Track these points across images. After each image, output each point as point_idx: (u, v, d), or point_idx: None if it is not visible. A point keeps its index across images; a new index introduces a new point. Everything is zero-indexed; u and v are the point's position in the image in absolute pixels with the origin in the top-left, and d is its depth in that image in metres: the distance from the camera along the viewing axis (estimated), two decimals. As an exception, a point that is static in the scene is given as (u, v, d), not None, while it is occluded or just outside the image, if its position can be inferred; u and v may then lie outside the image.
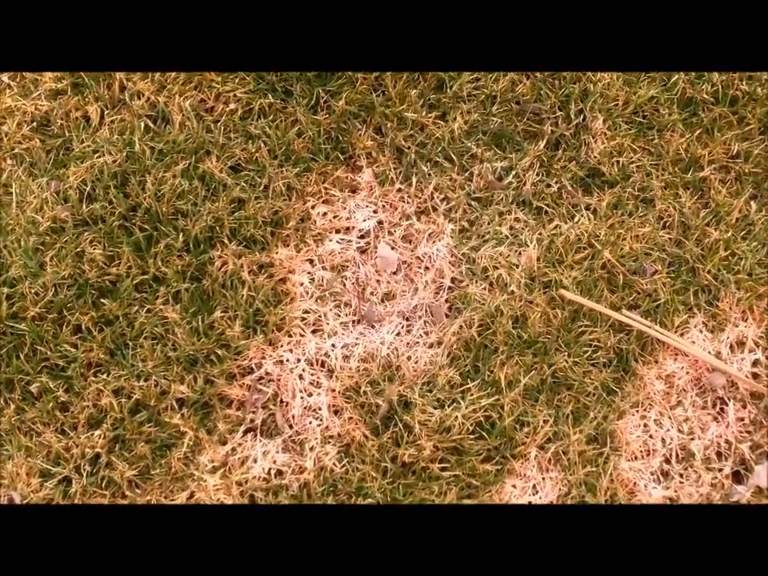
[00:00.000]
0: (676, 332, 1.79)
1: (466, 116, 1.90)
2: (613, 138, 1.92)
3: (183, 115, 1.86)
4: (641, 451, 1.73)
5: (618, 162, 1.91)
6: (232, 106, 1.88)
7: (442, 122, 1.90)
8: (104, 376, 1.70)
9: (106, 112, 1.86)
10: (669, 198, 1.89)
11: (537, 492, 1.69)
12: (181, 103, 1.86)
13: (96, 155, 1.82)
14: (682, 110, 1.97)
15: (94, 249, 1.76)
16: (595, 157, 1.91)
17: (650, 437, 1.74)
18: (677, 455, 1.74)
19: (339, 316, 1.78)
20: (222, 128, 1.85)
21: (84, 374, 1.70)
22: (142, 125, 1.85)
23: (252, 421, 1.70)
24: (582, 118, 1.93)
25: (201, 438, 1.67)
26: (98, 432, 1.67)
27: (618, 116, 1.94)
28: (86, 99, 1.88)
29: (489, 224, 1.85)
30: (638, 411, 1.75)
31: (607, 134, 1.93)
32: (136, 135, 1.83)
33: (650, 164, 1.92)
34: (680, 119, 1.95)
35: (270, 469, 1.67)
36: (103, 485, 1.65)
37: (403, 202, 1.86)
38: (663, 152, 1.93)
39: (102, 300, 1.74)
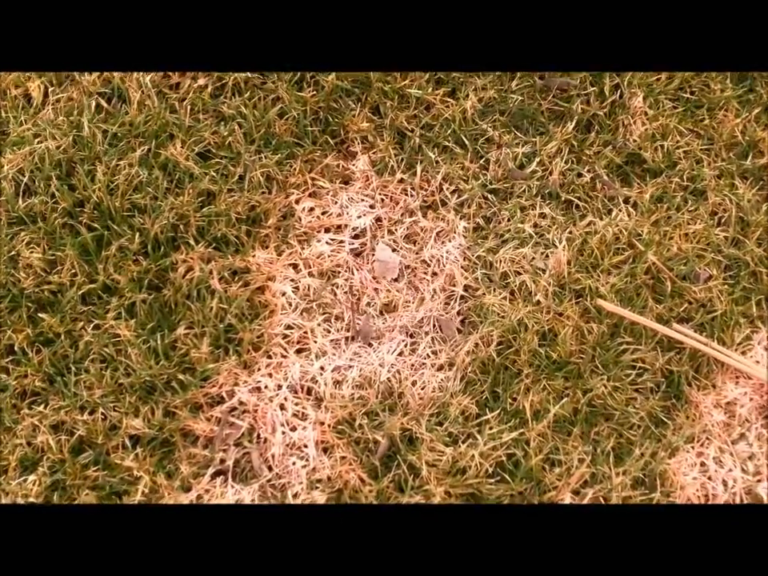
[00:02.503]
0: (736, 350, 1.66)
1: (480, 93, 1.81)
2: (655, 118, 1.82)
3: (142, 92, 1.75)
4: (698, 496, 1.57)
5: (661, 146, 1.80)
6: (201, 81, 1.78)
7: (451, 100, 1.80)
8: (41, 408, 1.55)
9: (50, 89, 1.76)
10: (723, 189, 1.77)
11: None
12: (140, 78, 1.77)
13: (37, 140, 1.71)
14: (737, 85, 1.87)
15: (32, 252, 1.63)
16: (635, 141, 1.80)
17: (709, 479, 1.58)
18: (741, 501, 1.58)
19: (329, 332, 1.64)
20: (189, 107, 1.75)
21: (16, 405, 1.55)
22: (93, 104, 1.75)
23: (222, 461, 1.54)
24: (618, 94, 1.83)
25: (159, 483, 1.51)
26: (32, 477, 1.50)
27: (660, 92, 1.85)
28: (27, 74, 1.78)
29: (509, 221, 1.74)
30: (693, 447, 1.60)
31: (648, 114, 1.82)
32: (85, 116, 1.72)
33: (701, 149, 1.81)
34: (734, 96, 1.85)
35: (244, 520, 1.53)
36: (38, 541, 1.50)
37: (406, 194, 1.75)
38: (715, 135, 1.82)
39: (40, 314, 1.60)
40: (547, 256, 1.69)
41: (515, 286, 1.67)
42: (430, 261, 1.70)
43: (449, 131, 1.77)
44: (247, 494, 1.50)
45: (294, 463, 1.54)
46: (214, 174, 1.69)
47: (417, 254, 1.71)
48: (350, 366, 1.61)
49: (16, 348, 1.57)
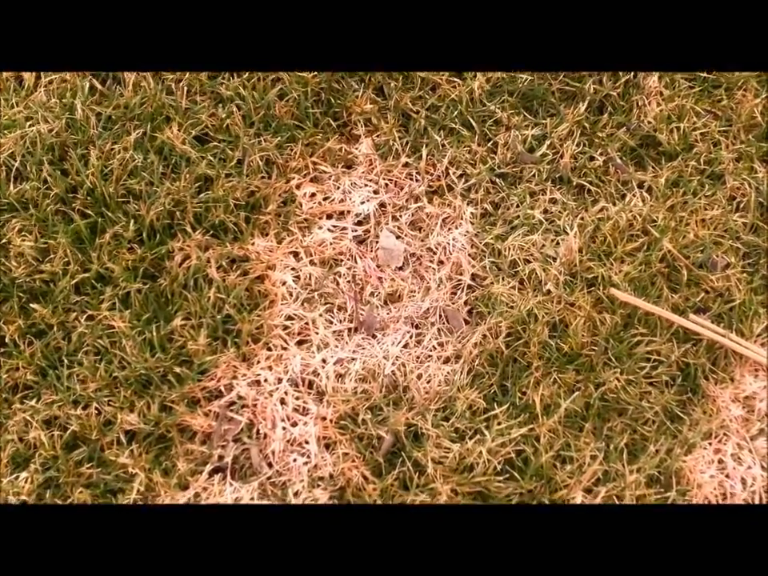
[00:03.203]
0: (756, 341, 1.62)
1: (487, 72, 1.78)
2: (671, 98, 1.79)
3: (137, 73, 1.72)
4: (716, 495, 1.54)
5: (677, 128, 1.76)
6: None
7: (458, 80, 1.77)
8: (33, 402, 1.52)
9: None
10: (742, 173, 1.74)
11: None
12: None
13: (29, 123, 1.68)
14: None
15: (23, 240, 1.60)
16: (649, 122, 1.77)
17: (727, 476, 1.54)
18: (761, 499, 1.54)
19: (331, 323, 1.62)
20: (186, 89, 1.73)
21: (8, 399, 1.52)
22: (87, 85, 1.72)
23: (221, 458, 1.52)
24: (632, 73, 1.80)
25: (155, 480, 1.48)
26: (24, 474, 1.48)
27: None
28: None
29: (518, 207, 1.71)
30: (710, 444, 1.57)
31: (664, 94, 1.79)
32: (78, 99, 1.70)
33: (718, 131, 1.77)
34: (753, 75, 1.81)
35: (243, 519, 1.51)
36: (31, 540, 1.49)
37: (411, 179, 1.73)
38: (734, 116, 1.79)
39: (31, 304, 1.57)
40: (558, 243, 1.66)
41: (524, 274, 1.64)
42: (436, 248, 1.67)
43: (455, 113, 1.74)
44: (246, 492, 1.48)
45: (294, 460, 1.51)
46: (212, 159, 1.66)
47: (422, 241, 1.68)
48: (353, 359, 1.58)
49: (7, 340, 1.54)
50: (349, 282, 1.64)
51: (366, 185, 1.70)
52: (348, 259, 1.65)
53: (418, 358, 1.59)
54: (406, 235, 1.68)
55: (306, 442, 1.52)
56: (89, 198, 1.62)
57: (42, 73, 1.70)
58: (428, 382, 1.57)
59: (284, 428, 1.53)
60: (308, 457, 1.51)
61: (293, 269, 1.63)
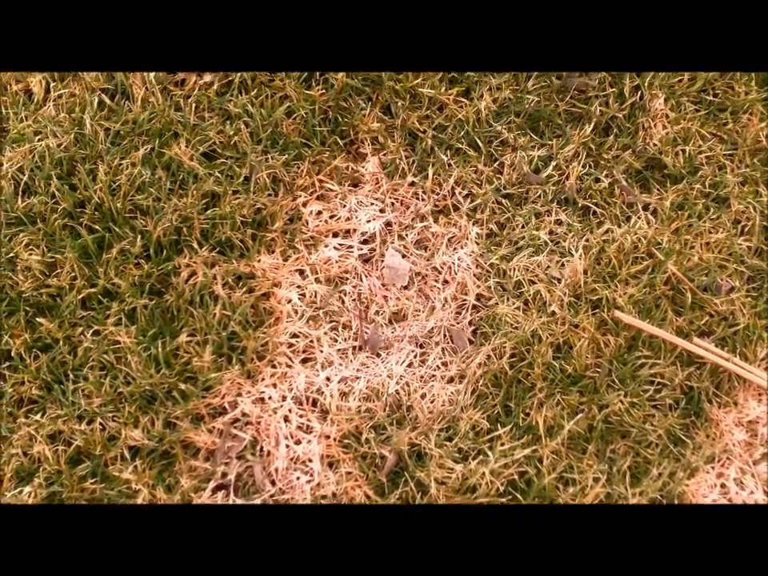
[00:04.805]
0: (759, 366, 1.60)
1: (494, 93, 1.75)
2: (677, 121, 1.76)
3: (146, 89, 1.70)
4: None
5: (683, 151, 1.74)
6: (207, 78, 1.72)
7: (465, 100, 1.74)
8: (38, 416, 1.51)
9: (52, 85, 1.71)
10: (747, 197, 1.72)
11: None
12: (144, 75, 1.70)
13: (37, 138, 1.66)
14: (762, 88, 1.80)
15: (31, 254, 1.58)
16: (655, 145, 1.74)
17: (729, 501, 1.53)
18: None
19: (336, 341, 1.60)
20: (194, 105, 1.70)
21: (12, 413, 1.51)
22: (96, 101, 1.69)
23: (224, 475, 1.51)
24: (638, 96, 1.77)
25: (158, 496, 1.47)
26: (28, 488, 1.47)
27: (682, 94, 1.78)
28: (28, 70, 1.72)
29: (523, 227, 1.69)
30: (713, 468, 1.55)
31: (670, 117, 1.76)
32: (87, 113, 1.67)
33: (724, 154, 1.75)
34: (759, 99, 1.79)
35: (245, 536, 1.49)
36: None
37: (417, 198, 1.70)
38: (739, 139, 1.76)
39: (38, 319, 1.55)
40: (563, 264, 1.64)
41: (529, 295, 1.62)
42: (442, 268, 1.65)
43: (462, 133, 1.71)
44: (249, 510, 1.46)
45: (297, 478, 1.50)
46: (219, 175, 1.64)
47: (428, 260, 1.65)
48: (357, 377, 1.56)
49: (13, 353, 1.52)
50: (354, 300, 1.62)
51: (372, 203, 1.68)
52: (353, 277, 1.63)
53: (422, 377, 1.57)
54: (411, 254, 1.65)
55: (310, 460, 1.50)
56: (96, 213, 1.60)
57: (50, 86, 1.68)
58: (432, 402, 1.55)
59: (287, 446, 1.51)
60: (311, 475, 1.50)
61: (298, 286, 1.61)
